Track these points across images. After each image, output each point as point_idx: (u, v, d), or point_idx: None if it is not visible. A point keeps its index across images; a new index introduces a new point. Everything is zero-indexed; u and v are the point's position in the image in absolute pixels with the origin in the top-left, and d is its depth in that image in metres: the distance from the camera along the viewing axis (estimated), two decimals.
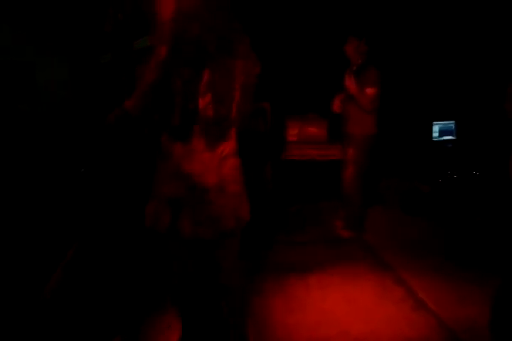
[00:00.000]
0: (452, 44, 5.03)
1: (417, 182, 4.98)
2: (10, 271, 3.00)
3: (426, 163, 4.98)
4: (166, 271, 2.01)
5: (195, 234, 1.86)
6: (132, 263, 3.32)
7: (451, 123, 5.04)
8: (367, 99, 3.71)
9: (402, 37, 5.07)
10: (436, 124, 5.02)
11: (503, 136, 4.30)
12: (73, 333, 2.52)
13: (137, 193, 4.03)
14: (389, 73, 4.00)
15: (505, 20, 4.55)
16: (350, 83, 3.79)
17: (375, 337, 2.50)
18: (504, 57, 4.55)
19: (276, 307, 2.78)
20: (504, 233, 3.60)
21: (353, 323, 2.63)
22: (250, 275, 3.11)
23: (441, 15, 4.94)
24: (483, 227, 3.98)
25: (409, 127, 5.20)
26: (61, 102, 4.51)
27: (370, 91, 3.69)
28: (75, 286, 2.99)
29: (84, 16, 4.21)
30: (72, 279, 3.08)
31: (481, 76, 4.94)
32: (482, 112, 4.91)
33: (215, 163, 1.86)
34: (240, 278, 2.08)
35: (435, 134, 5.00)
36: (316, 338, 2.49)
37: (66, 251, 3.41)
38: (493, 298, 2.13)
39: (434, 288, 3.01)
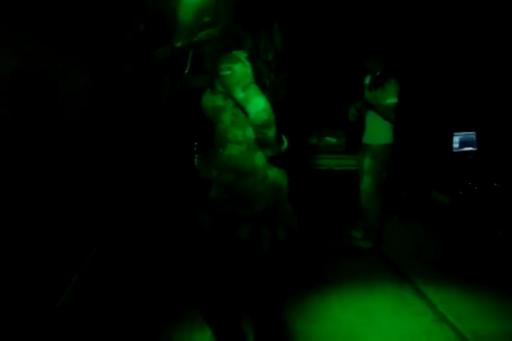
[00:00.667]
0: (474, 55, 4.99)
1: (437, 193, 4.91)
2: (26, 278, 3.02)
3: (446, 175, 4.91)
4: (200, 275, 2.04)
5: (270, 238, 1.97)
6: (150, 269, 3.33)
7: (472, 134, 4.97)
8: (389, 110, 3.70)
9: (422, 46, 5.05)
10: (457, 135, 4.96)
11: None
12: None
13: (157, 200, 4.06)
14: (409, 83, 3.98)
15: None
16: (370, 96, 3.78)
17: None
18: None
19: (295, 318, 2.75)
20: None
21: (370, 336, 2.59)
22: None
23: (461, 27, 4.91)
24: (505, 240, 3.90)
25: (430, 138, 5.15)
26: (83, 112, 4.57)
27: (392, 101, 3.68)
28: (92, 292, 3.00)
29: (105, 25, 4.28)
30: (90, 285, 3.10)
31: (502, 87, 4.88)
32: (503, 123, 4.84)
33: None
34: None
35: (456, 145, 4.94)
36: None
37: (85, 256, 3.43)
38: None
39: (454, 301, 2.95)
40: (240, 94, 1.80)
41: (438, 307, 2.88)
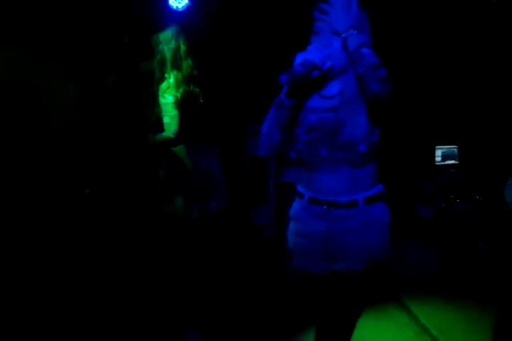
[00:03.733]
0: (457, 69, 5.05)
1: (420, 207, 4.95)
2: None
3: (429, 188, 4.95)
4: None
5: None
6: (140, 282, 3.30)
7: (454, 148, 5.03)
8: None
9: (404, 59, 5.09)
10: (439, 149, 5.01)
11: (506, 161, 4.30)
12: None
13: (141, 214, 4.02)
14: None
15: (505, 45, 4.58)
16: None
17: None
18: (507, 82, 4.58)
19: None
20: (506, 259, 3.55)
21: None
22: None
23: (438, 39, 4.94)
24: (486, 253, 3.93)
25: (412, 151, 5.19)
26: (68, 125, 4.53)
27: None
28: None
29: (90, 37, 4.27)
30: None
31: (483, 101, 4.95)
32: (486, 137, 4.90)
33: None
34: None
35: (438, 158, 4.99)
36: None
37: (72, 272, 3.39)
38: (494, 327, 2.09)
39: (437, 314, 2.97)
40: None
41: (421, 320, 2.88)
